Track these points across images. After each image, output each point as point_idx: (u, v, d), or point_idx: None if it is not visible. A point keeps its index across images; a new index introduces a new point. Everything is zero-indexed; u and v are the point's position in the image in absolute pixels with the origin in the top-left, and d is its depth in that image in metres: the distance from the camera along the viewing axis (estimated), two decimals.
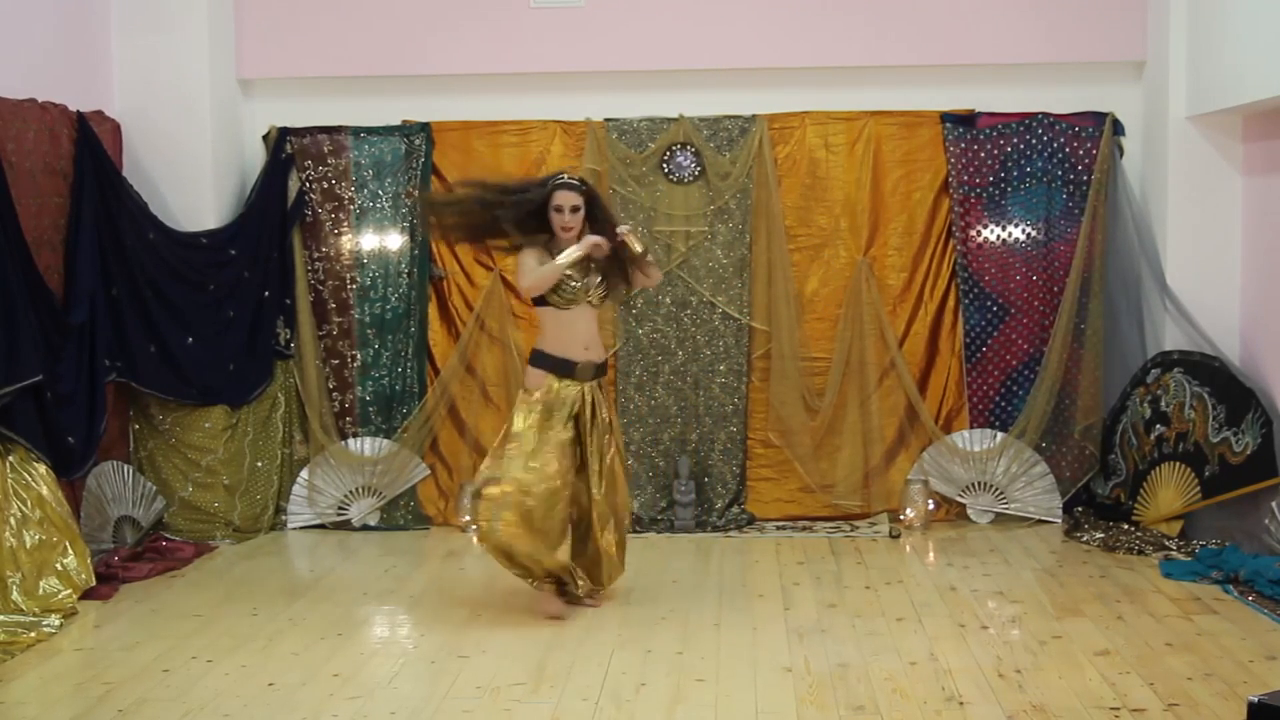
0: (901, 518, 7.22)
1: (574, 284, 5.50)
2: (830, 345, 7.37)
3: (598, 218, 5.60)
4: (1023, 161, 7.27)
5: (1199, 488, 6.54)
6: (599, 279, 5.58)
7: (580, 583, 5.65)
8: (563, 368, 5.55)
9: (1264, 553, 6.07)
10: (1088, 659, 4.92)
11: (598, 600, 5.73)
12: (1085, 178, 7.22)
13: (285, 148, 7.40)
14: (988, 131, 7.29)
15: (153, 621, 5.62)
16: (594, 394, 5.61)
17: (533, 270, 5.44)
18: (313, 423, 7.40)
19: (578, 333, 5.57)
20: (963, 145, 7.28)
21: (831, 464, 7.39)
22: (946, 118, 7.32)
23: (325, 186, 7.44)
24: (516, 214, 5.52)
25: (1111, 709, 4.40)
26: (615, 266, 5.60)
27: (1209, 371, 6.63)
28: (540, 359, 5.59)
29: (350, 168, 7.44)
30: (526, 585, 5.70)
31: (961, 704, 4.48)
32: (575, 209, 5.52)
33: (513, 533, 5.42)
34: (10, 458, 5.84)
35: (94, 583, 5.96)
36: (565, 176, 5.63)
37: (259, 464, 7.31)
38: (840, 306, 7.37)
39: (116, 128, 7.05)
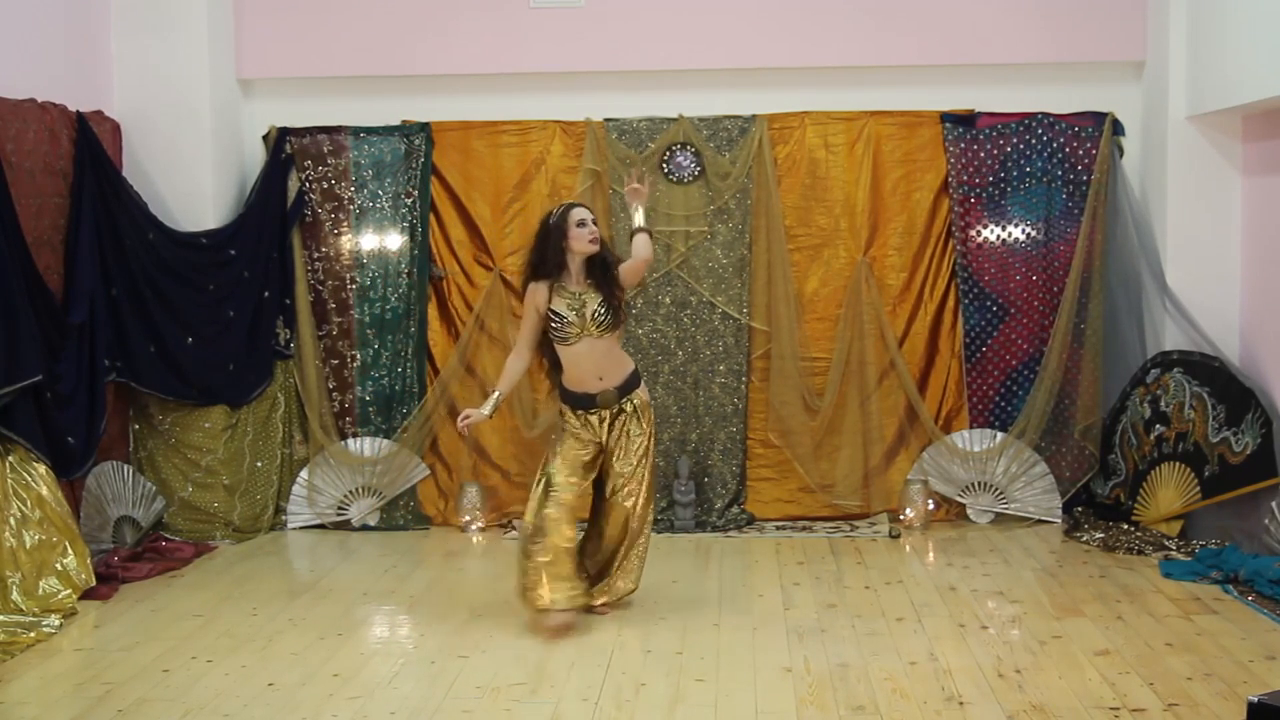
0: (901, 518, 7.22)
1: (569, 321, 5.41)
2: (830, 345, 7.36)
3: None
4: (1022, 161, 7.26)
5: (1199, 488, 6.54)
6: (595, 309, 5.42)
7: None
8: (582, 401, 5.52)
9: (1264, 553, 6.07)
10: (1088, 659, 4.92)
11: (607, 610, 5.67)
12: (1085, 178, 7.22)
13: (285, 148, 7.40)
14: (987, 131, 7.29)
15: (153, 621, 5.62)
16: (626, 409, 5.54)
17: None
18: (312, 423, 7.39)
19: (587, 367, 5.47)
20: (962, 145, 7.28)
21: (831, 464, 7.39)
22: (946, 118, 7.32)
23: (325, 186, 7.44)
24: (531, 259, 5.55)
25: (1111, 709, 4.40)
26: (603, 279, 5.46)
27: (1209, 371, 6.63)
28: (563, 394, 5.57)
29: (350, 168, 7.44)
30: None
31: (961, 704, 4.48)
32: (595, 220, 5.51)
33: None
34: (10, 458, 5.84)
35: (94, 583, 5.96)
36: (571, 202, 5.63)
37: (259, 464, 7.30)
38: (840, 307, 7.37)
39: (116, 128, 7.05)
